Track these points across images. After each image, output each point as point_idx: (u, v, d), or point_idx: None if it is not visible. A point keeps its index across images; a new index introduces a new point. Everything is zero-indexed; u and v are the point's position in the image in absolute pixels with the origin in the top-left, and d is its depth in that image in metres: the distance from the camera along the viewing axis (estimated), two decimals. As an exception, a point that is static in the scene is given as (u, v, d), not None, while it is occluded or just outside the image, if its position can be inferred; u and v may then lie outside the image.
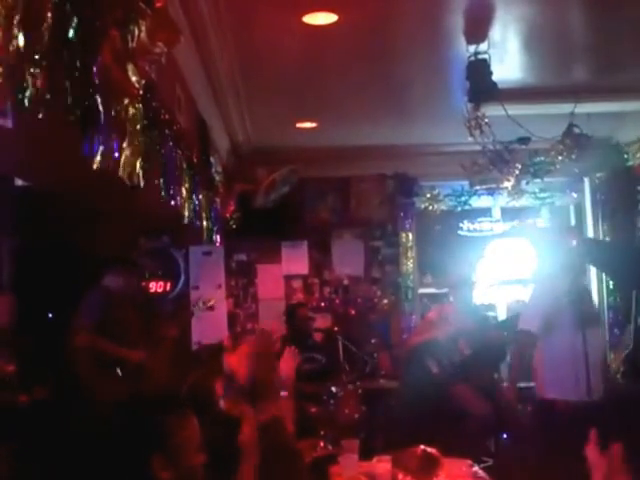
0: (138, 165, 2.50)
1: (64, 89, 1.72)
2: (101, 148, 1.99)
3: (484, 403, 5.19)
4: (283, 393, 3.34)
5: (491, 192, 5.95)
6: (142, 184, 2.61)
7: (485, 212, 6.95)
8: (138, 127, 2.45)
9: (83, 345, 4.61)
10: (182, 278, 6.28)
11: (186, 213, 3.83)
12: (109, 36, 1.88)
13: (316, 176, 6.64)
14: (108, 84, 1.92)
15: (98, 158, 1.95)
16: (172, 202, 3.36)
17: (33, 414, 4.14)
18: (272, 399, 2.72)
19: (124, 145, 2.30)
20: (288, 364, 3.27)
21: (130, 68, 2.05)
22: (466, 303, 5.69)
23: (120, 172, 2.30)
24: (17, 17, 1.42)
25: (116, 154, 2.21)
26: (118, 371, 4.64)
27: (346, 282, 6.76)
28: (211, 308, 5.60)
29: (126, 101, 2.19)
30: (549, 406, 3.96)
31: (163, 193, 3.11)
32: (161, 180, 3.07)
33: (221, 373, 2.78)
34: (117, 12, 1.90)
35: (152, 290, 6.23)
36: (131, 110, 2.32)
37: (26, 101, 1.53)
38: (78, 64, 1.75)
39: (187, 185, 3.79)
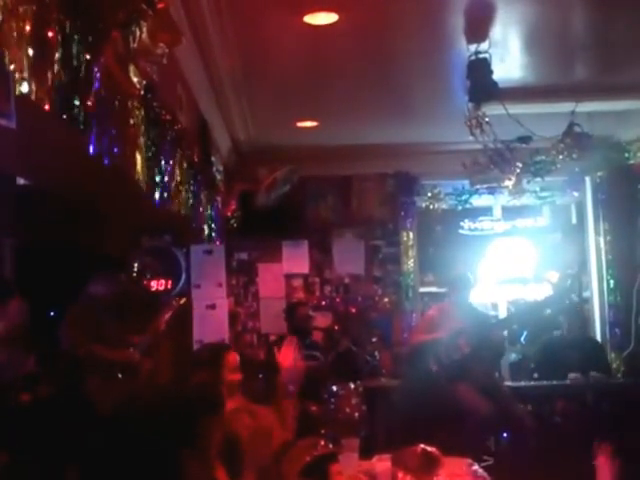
0: (140, 164, 2.51)
1: (67, 90, 1.73)
2: (106, 148, 2.01)
3: (484, 402, 5.20)
4: (291, 388, 3.35)
5: (492, 191, 5.94)
6: (144, 183, 2.62)
7: (486, 211, 6.95)
8: (140, 127, 2.47)
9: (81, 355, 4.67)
10: (183, 277, 6.29)
11: (187, 212, 3.84)
12: (111, 37, 1.89)
13: (317, 175, 6.64)
14: (110, 85, 1.93)
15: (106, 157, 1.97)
16: (173, 201, 3.38)
17: (35, 413, 4.14)
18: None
19: (126, 145, 2.31)
20: (288, 355, 3.28)
21: (132, 69, 2.06)
22: (464, 302, 5.70)
23: (122, 171, 2.31)
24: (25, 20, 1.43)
25: (118, 154, 2.22)
26: (119, 375, 4.67)
27: (347, 281, 6.76)
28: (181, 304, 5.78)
29: (128, 102, 2.20)
30: None
31: (164, 192, 3.12)
32: (162, 179, 3.08)
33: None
34: (119, 13, 1.91)
35: (153, 288, 6.24)
36: (133, 111, 2.33)
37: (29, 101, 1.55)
38: (81, 65, 1.76)
39: (188, 184, 3.81)
